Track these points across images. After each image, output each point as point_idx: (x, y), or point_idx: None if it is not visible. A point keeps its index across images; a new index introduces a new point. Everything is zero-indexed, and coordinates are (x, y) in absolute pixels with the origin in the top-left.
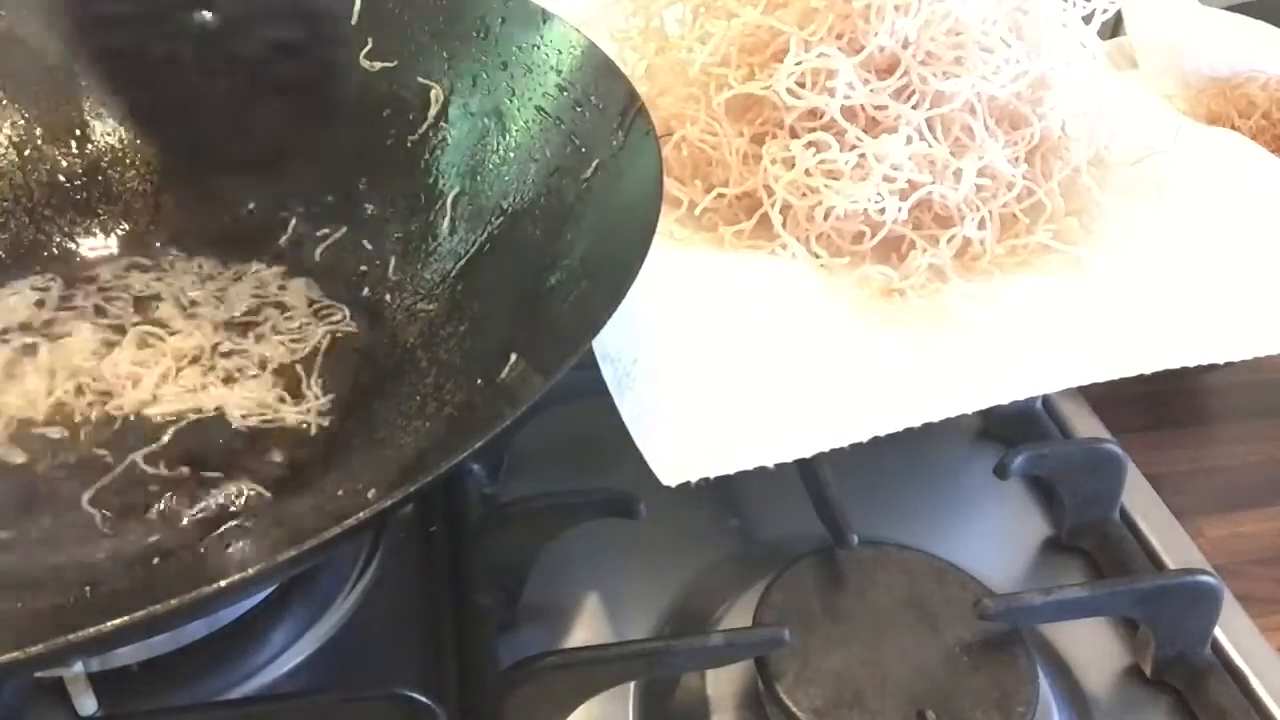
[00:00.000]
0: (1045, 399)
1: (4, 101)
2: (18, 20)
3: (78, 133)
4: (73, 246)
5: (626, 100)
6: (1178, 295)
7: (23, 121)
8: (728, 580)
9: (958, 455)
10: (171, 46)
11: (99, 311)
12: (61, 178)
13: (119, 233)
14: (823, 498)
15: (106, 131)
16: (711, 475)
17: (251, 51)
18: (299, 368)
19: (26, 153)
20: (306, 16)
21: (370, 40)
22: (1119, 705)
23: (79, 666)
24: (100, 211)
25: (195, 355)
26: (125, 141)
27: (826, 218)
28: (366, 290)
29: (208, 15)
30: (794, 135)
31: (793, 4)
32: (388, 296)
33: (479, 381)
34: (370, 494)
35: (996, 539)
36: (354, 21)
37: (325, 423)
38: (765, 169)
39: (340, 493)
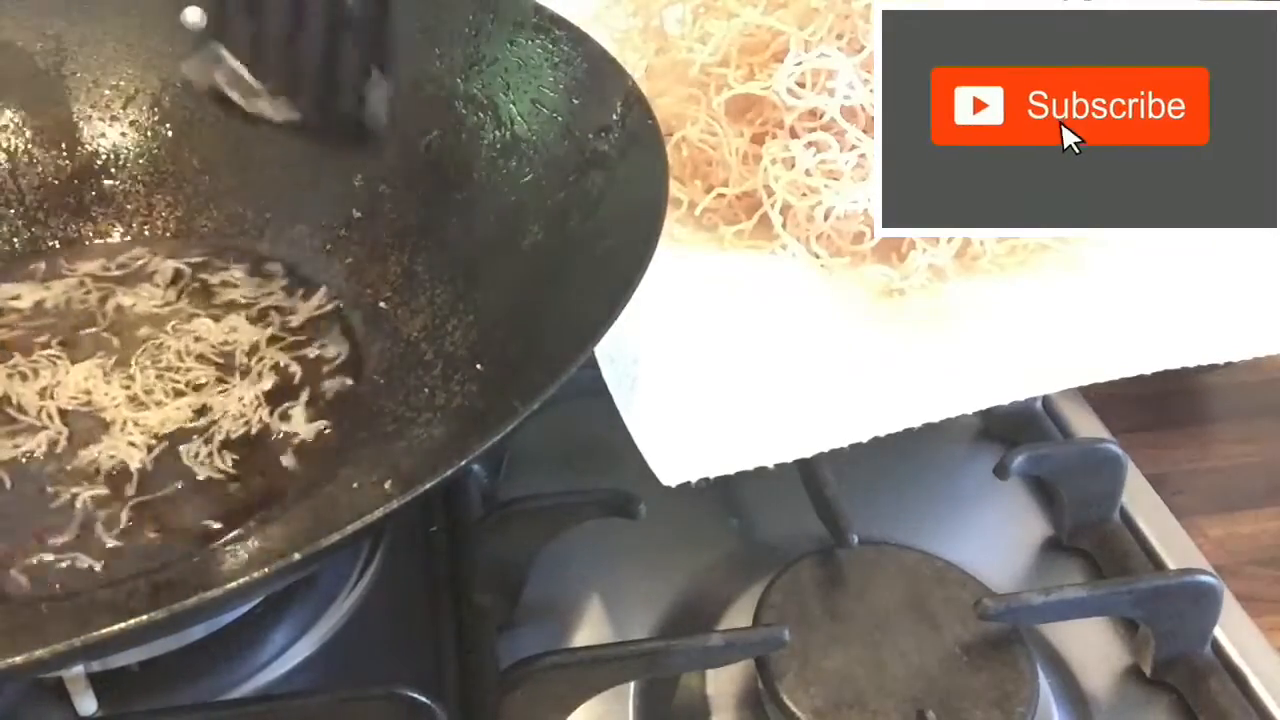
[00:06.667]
0: (1045, 399)
1: None
2: (8, 22)
3: (68, 135)
4: (68, 250)
5: (625, 93)
6: (1178, 295)
7: (13, 124)
8: (728, 580)
9: (958, 455)
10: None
11: (98, 314)
12: (53, 180)
13: (113, 235)
14: (823, 498)
15: (96, 134)
16: (711, 475)
17: None
18: (303, 365)
19: (17, 155)
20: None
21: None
22: (1119, 705)
23: (79, 667)
24: (94, 214)
25: (199, 354)
26: (116, 144)
27: (826, 218)
28: (368, 289)
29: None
30: (794, 135)
31: (793, 4)
32: (388, 292)
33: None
34: (387, 485)
35: (996, 539)
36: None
37: (332, 420)
38: (765, 169)
39: (355, 485)
